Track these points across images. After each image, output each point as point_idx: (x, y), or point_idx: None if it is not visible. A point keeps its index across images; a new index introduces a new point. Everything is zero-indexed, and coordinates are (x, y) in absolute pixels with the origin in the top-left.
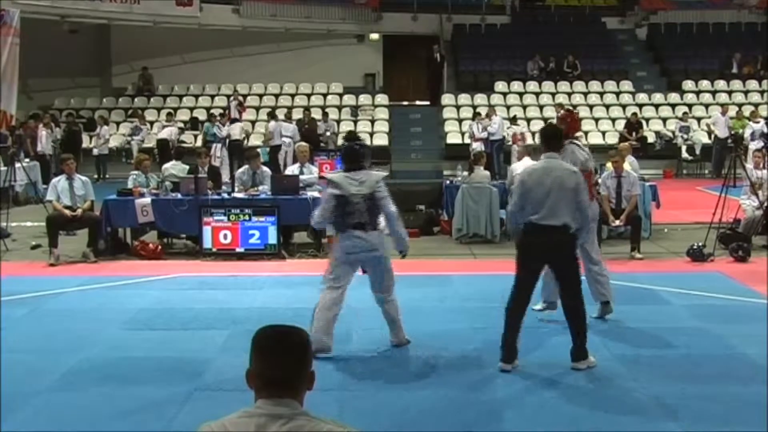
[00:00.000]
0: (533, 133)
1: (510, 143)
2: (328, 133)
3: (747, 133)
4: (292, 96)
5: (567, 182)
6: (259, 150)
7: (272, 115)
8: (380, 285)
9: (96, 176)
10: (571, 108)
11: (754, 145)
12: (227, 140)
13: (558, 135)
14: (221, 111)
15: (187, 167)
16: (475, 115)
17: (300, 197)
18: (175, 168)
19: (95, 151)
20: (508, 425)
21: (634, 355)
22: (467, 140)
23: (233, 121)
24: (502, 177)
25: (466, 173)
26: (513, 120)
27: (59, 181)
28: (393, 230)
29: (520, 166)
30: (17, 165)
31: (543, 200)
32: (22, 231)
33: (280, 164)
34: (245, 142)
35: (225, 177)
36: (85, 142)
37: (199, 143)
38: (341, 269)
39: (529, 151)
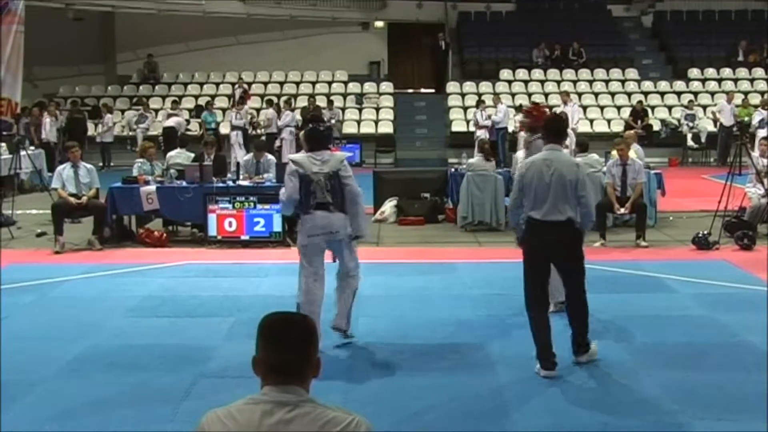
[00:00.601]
0: None
1: (518, 131)
2: (333, 121)
3: (755, 120)
4: (297, 84)
5: (569, 175)
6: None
7: (270, 103)
8: (342, 266)
9: (101, 164)
10: (537, 102)
11: (762, 133)
12: (242, 128)
13: (563, 127)
14: (239, 96)
15: (192, 155)
16: (479, 103)
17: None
18: (180, 156)
19: (97, 139)
20: (513, 413)
21: (640, 343)
22: (472, 128)
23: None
24: (507, 165)
25: (472, 160)
26: (519, 108)
27: (64, 169)
28: (352, 211)
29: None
30: (22, 153)
31: (545, 194)
32: (27, 219)
33: (275, 152)
34: (249, 130)
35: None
36: (91, 130)
37: (203, 131)
38: (307, 256)
39: (526, 144)
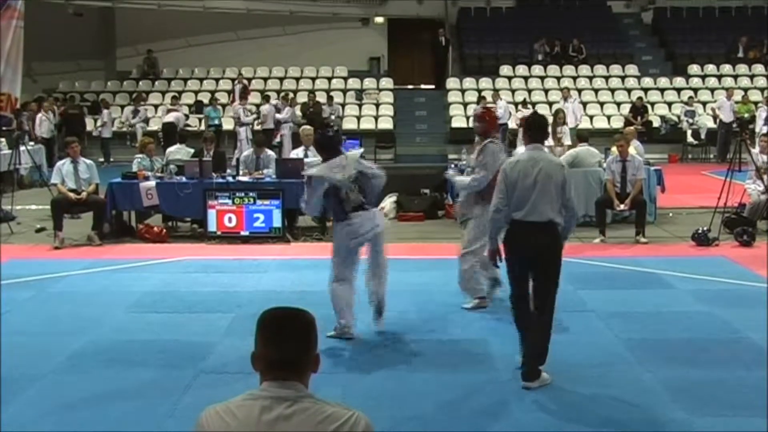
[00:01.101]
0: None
1: (519, 126)
2: (333, 117)
3: (761, 117)
4: (297, 79)
5: (555, 176)
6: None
7: (267, 98)
8: (378, 262)
9: (101, 160)
10: (488, 106)
11: (766, 129)
12: (251, 125)
13: (545, 126)
14: (240, 92)
15: (192, 151)
16: (480, 99)
17: (305, 181)
18: (179, 152)
19: (94, 134)
20: (513, 408)
21: (639, 339)
22: (471, 124)
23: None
24: None
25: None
26: (523, 104)
27: (64, 164)
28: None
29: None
30: (22, 148)
31: (527, 195)
32: (26, 214)
33: (273, 148)
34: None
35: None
36: (90, 126)
37: (203, 127)
38: (345, 260)
39: (476, 149)
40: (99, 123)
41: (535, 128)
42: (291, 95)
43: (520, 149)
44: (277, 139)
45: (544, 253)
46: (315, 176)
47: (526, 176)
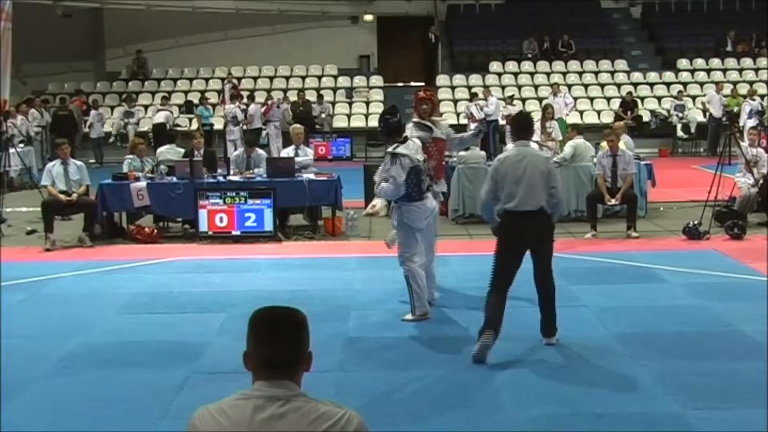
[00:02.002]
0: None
1: (504, 124)
2: (323, 115)
3: (745, 111)
4: (287, 78)
5: (540, 166)
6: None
7: (252, 98)
8: (432, 243)
9: (92, 161)
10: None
11: (751, 123)
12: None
13: (531, 124)
14: (230, 92)
15: (183, 150)
16: (473, 96)
17: (295, 180)
18: (170, 152)
19: (92, 135)
20: (505, 405)
21: (631, 333)
22: (462, 120)
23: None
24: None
25: (463, 152)
26: (510, 99)
27: (54, 166)
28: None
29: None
30: (11, 150)
31: (517, 186)
32: (17, 216)
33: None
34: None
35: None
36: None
37: (194, 126)
38: (414, 239)
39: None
40: (87, 123)
41: (522, 126)
42: (282, 95)
43: (510, 146)
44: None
45: (542, 234)
46: (403, 155)
47: (515, 170)
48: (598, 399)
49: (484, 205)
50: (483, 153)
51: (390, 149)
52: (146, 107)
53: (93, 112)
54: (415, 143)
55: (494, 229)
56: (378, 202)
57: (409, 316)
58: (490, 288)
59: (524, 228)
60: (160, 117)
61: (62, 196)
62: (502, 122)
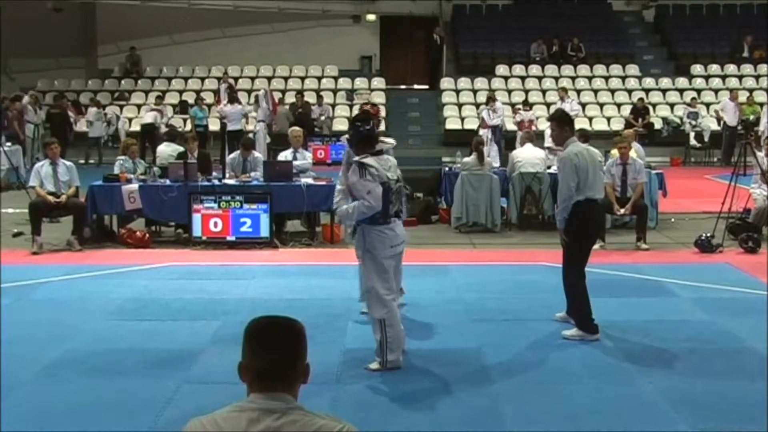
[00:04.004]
0: (537, 119)
1: (519, 129)
2: (322, 118)
3: (764, 120)
4: (286, 79)
5: (597, 160)
6: (251, 136)
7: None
8: (398, 280)
9: (82, 161)
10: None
11: None
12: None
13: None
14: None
15: (182, 149)
16: (489, 101)
17: (293, 184)
18: (169, 148)
19: (90, 134)
20: (508, 422)
21: (639, 349)
22: (467, 125)
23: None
24: (503, 164)
25: (467, 159)
26: (524, 104)
27: (42, 166)
28: None
29: (522, 153)
30: None
31: (592, 178)
32: (3, 218)
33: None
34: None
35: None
36: (83, 126)
37: (188, 127)
38: (386, 270)
39: (531, 137)
40: (86, 122)
41: (571, 123)
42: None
43: (517, 151)
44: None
45: (604, 217)
46: (370, 164)
47: (587, 163)
48: (603, 417)
49: (565, 201)
50: (488, 160)
51: (357, 158)
52: (139, 107)
53: (93, 110)
54: (391, 160)
55: (570, 221)
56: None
57: (374, 365)
58: (575, 276)
59: (600, 215)
60: (149, 117)
61: (51, 198)
62: (513, 127)
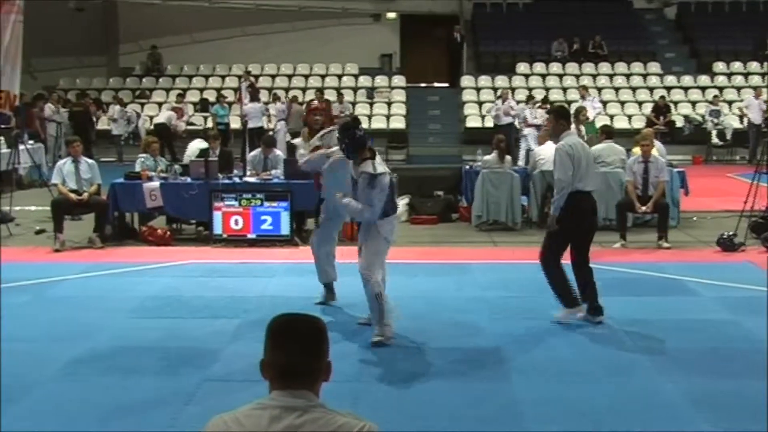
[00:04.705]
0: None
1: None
2: (343, 116)
3: None
4: (306, 77)
5: (591, 154)
6: (272, 134)
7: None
8: None
9: (111, 159)
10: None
11: None
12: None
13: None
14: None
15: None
16: (529, 99)
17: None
18: (203, 144)
19: (113, 132)
20: (527, 421)
21: (661, 348)
22: (488, 123)
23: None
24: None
25: (487, 157)
26: (544, 102)
27: (65, 164)
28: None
29: (545, 150)
30: (21, 147)
31: (585, 170)
32: (26, 215)
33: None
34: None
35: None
36: (104, 124)
37: (209, 125)
38: (385, 253)
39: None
40: (108, 119)
41: (567, 117)
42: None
43: (540, 149)
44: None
45: (595, 209)
46: (382, 173)
47: (582, 156)
48: (623, 416)
49: (564, 189)
50: (509, 158)
51: (369, 170)
52: (160, 104)
53: (115, 108)
54: (379, 156)
55: (566, 210)
56: (399, 207)
57: (377, 338)
58: (551, 259)
59: (592, 205)
60: (163, 117)
61: (72, 195)
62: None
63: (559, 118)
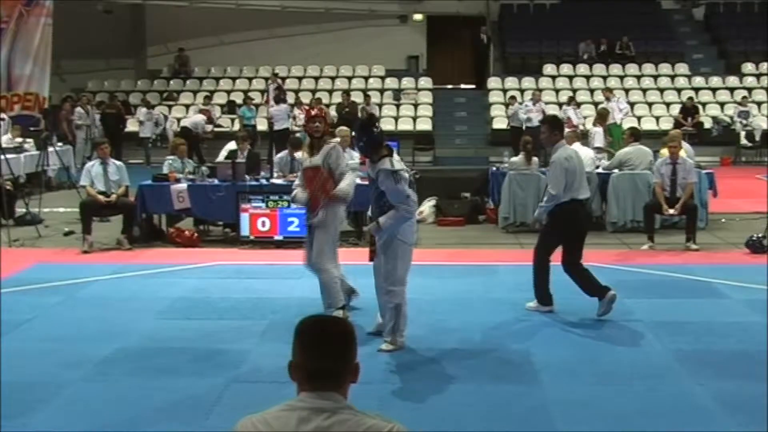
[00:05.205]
0: (585, 118)
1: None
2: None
3: None
4: (332, 79)
5: (584, 163)
6: (299, 135)
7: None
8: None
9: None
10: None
11: None
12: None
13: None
14: (275, 92)
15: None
16: (570, 100)
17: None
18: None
19: (141, 134)
20: (557, 423)
21: (690, 351)
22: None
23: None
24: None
25: (514, 158)
26: (569, 103)
27: (93, 166)
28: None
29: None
30: (50, 149)
31: (579, 181)
32: (54, 217)
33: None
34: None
35: None
36: (134, 126)
37: (236, 127)
38: (410, 255)
39: (578, 136)
40: (137, 122)
41: (561, 127)
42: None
43: (586, 148)
44: None
45: (589, 215)
46: (401, 169)
47: (576, 167)
48: (653, 418)
49: (556, 199)
50: (536, 159)
51: (388, 167)
52: (187, 107)
53: (143, 110)
54: (396, 155)
55: (558, 220)
56: (426, 208)
57: (388, 347)
58: (544, 259)
59: (586, 213)
60: (188, 122)
61: (101, 197)
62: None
63: (554, 128)
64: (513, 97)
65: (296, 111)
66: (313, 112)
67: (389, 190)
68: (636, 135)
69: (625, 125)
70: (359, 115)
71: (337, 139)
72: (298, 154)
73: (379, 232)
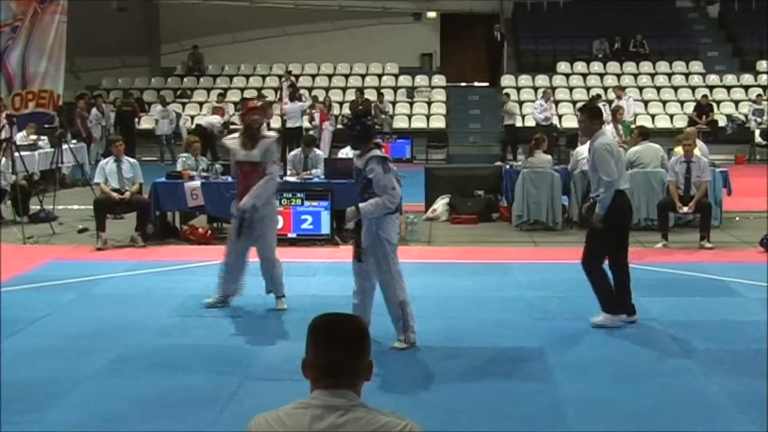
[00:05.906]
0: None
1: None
2: (383, 116)
3: None
4: (346, 77)
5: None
6: (312, 133)
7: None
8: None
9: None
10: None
11: None
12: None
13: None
14: (289, 90)
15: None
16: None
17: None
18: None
19: (157, 132)
20: (571, 421)
21: (704, 350)
22: (528, 123)
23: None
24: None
25: (523, 157)
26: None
27: (107, 163)
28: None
29: (586, 150)
30: (64, 146)
31: (621, 168)
32: (69, 214)
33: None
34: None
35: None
36: (149, 123)
37: None
38: (395, 254)
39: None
40: (154, 119)
41: (600, 116)
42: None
43: (581, 148)
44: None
45: (632, 212)
46: (390, 159)
47: (617, 155)
48: (667, 417)
49: (613, 185)
50: (549, 157)
51: (373, 154)
52: (201, 104)
53: (158, 107)
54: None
55: (608, 210)
56: (439, 206)
57: (400, 344)
58: (597, 261)
59: (630, 203)
60: (203, 121)
61: (115, 195)
62: (569, 125)
63: (594, 117)
64: (507, 95)
65: (313, 111)
66: (251, 104)
67: (377, 177)
68: (644, 133)
69: (638, 122)
70: (373, 113)
71: (275, 135)
72: (318, 151)
73: (356, 216)
